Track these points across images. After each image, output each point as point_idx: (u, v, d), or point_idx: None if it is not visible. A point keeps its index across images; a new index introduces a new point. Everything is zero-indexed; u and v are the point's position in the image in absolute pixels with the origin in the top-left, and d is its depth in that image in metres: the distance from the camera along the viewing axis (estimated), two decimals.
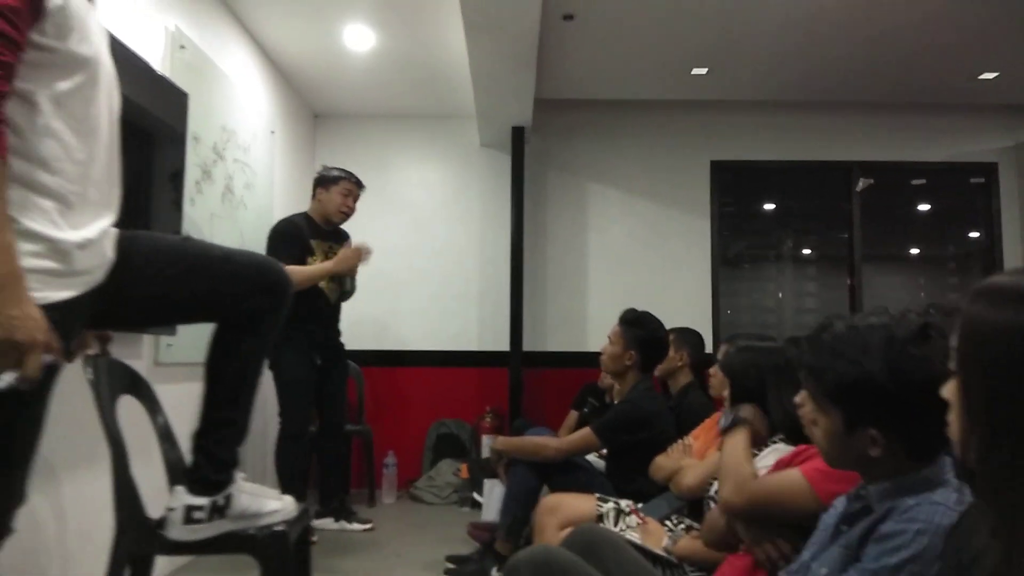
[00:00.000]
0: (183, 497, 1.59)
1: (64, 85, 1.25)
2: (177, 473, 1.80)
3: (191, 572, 2.85)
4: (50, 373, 1.30)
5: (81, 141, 1.32)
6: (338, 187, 3.50)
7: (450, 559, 2.91)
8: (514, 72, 3.91)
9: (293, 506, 1.74)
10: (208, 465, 1.60)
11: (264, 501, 1.68)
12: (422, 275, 5.09)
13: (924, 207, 5.58)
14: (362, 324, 4.68)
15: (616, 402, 2.88)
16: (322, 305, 3.49)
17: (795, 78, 4.47)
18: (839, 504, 1.33)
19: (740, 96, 4.78)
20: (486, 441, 4.77)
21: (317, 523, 3.48)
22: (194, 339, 3.15)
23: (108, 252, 1.41)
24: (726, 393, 2.13)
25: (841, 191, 5.17)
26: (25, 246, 1.20)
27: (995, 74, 4.42)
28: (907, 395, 1.07)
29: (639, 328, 2.81)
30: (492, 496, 3.00)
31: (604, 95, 4.85)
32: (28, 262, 1.20)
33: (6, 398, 1.21)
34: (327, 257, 3.46)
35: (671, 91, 4.73)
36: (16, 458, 1.30)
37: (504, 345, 4.96)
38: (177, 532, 1.59)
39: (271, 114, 4.21)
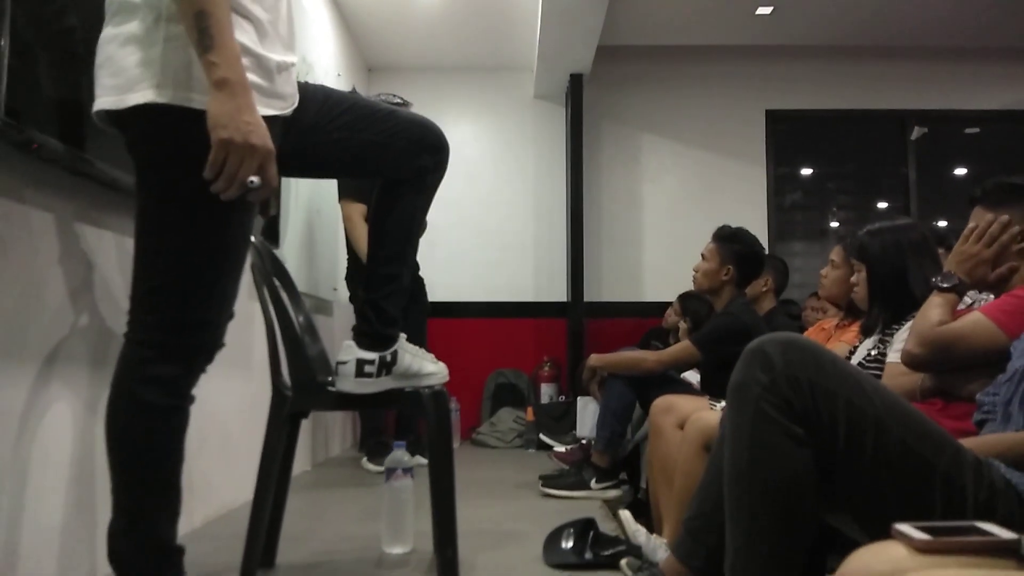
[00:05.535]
0: (354, 351, 1.61)
1: None
2: (320, 366, 1.81)
3: None
4: (248, 205, 1.32)
5: None
6: None
7: (543, 477, 2.93)
8: (585, 12, 3.91)
9: (446, 371, 1.76)
10: (378, 320, 1.62)
11: (424, 363, 1.70)
12: (477, 228, 5.10)
13: (980, 168, 5.49)
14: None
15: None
16: None
17: (859, 19, 4.46)
18: None
19: (800, 40, 4.78)
20: (545, 390, 4.81)
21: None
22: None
23: (296, 87, 1.43)
24: (855, 279, 2.11)
25: (895, 145, 5.16)
26: None
27: None
28: None
29: (736, 243, 2.81)
30: (585, 413, 3.02)
31: (663, 40, 4.85)
32: None
33: (240, 208, 1.24)
34: None
35: (732, 35, 4.74)
36: (239, 270, 1.32)
37: (560, 296, 4.99)
38: (349, 385, 1.61)
39: (334, 62, 4.22)
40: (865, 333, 2.05)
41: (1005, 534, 0.82)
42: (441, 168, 1.64)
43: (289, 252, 3.27)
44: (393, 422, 3.93)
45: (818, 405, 1.03)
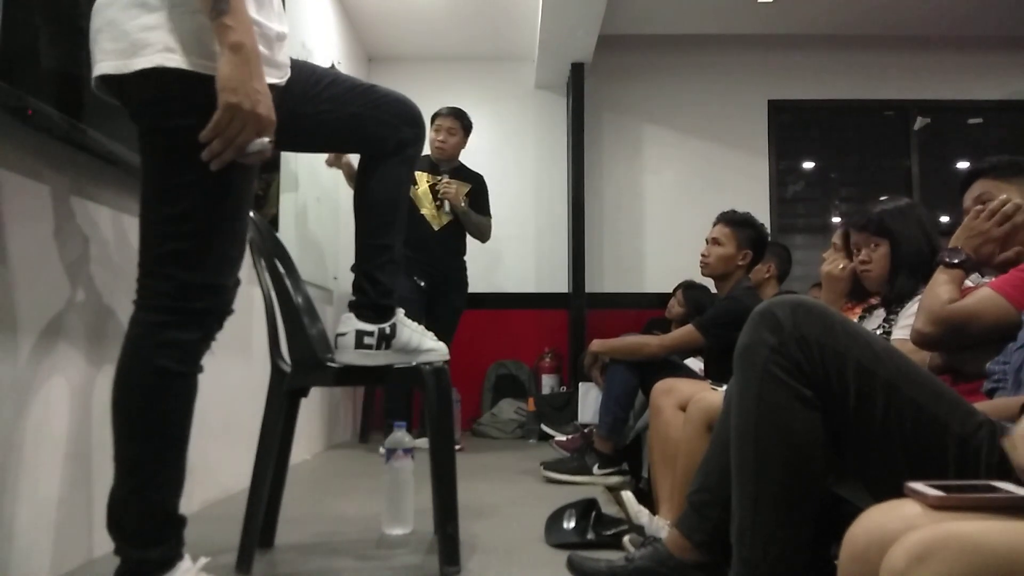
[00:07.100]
0: (353, 322, 1.60)
1: None
2: (320, 344, 1.79)
3: None
4: (252, 168, 1.31)
5: None
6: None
7: (546, 463, 2.91)
8: (586, 1, 3.90)
9: (446, 348, 1.73)
10: (373, 290, 1.61)
11: (424, 339, 1.68)
12: None
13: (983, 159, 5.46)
14: None
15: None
16: (424, 232, 3.68)
17: (861, 7, 4.44)
18: None
19: (803, 29, 4.76)
20: (546, 381, 4.79)
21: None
22: None
23: (288, 58, 1.42)
24: (865, 256, 2.07)
25: (899, 135, 5.13)
26: None
27: None
28: None
29: (751, 228, 2.76)
30: (588, 399, 3.00)
31: (665, 29, 4.82)
32: None
33: (245, 172, 1.24)
34: (433, 187, 3.76)
35: (734, 24, 4.71)
36: (244, 233, 1.33)
37: (561, 287, 4.96)
38: (349, 357, 1.59)
39: (334, 51, 4.19)
40: (887, 306, 1.99)
41: (1021, 491, 0.80)
42: (420, 140, 1.65)
43: (287, 240, 3.24)
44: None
45: (827, 367, 1.01)
